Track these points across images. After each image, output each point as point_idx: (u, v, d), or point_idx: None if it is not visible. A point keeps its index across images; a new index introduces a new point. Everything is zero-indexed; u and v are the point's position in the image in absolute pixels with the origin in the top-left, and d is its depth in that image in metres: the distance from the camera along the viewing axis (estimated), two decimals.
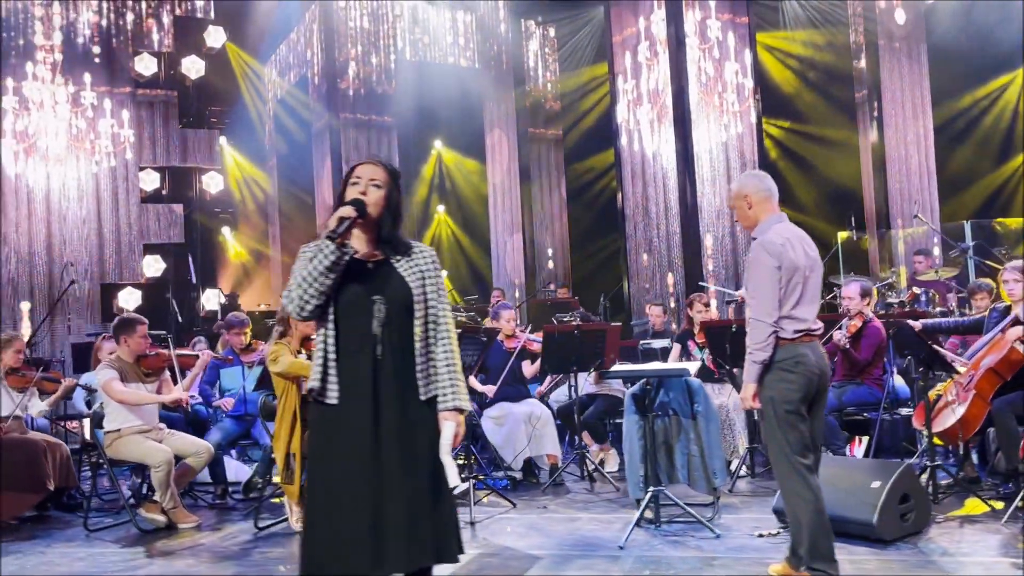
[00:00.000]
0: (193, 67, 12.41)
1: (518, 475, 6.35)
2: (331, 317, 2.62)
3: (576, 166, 13.22)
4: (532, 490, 6.04)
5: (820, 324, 3.49)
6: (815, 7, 12.18)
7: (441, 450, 2.63)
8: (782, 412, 3.37)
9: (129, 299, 11.67)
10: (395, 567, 2.52)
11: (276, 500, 5.95)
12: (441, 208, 14.98)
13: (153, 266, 12.12)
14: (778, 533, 4.42)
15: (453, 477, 2.62)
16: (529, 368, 6.75)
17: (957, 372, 4.98)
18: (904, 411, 6.49)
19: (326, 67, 13.69)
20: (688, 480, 4.83)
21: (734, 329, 5.94)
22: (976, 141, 11.80)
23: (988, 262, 7.84)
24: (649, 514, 4.69)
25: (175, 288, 11.76)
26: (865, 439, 6.26)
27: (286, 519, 5.33)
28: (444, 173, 14.32)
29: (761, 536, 4.41)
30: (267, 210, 14.71)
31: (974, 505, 4.87)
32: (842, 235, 8.86)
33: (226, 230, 13.50)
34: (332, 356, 2.61)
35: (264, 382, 6.08)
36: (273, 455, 5.22)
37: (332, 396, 2.60)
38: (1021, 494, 4.48)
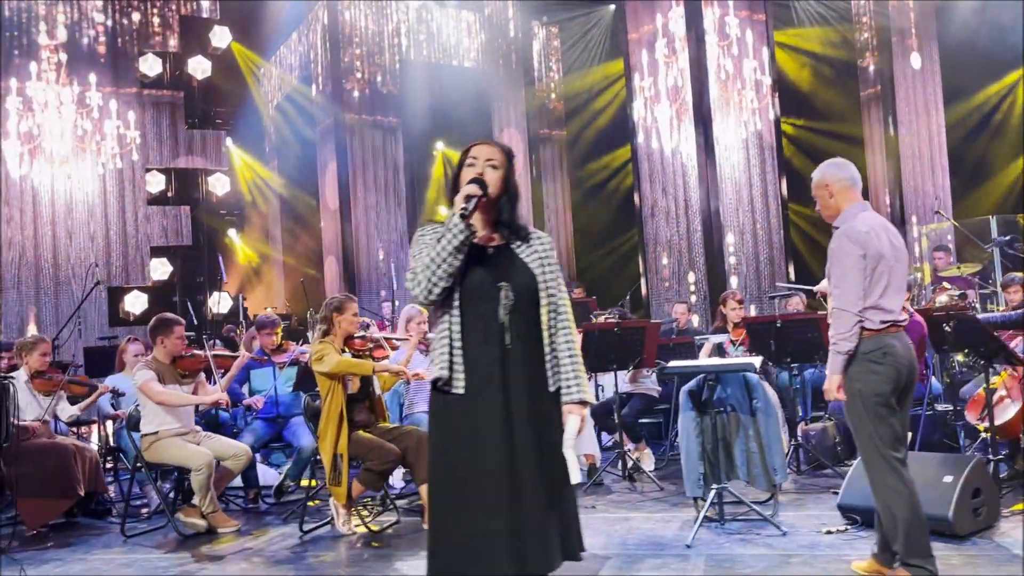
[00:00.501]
0: (199, 67, 12.23)
1: None
2: (456, 303, 2.53)
3: (589, 166, 13.15)
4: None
5: (906, 315, 3.42)
6: (828, 4, 12.19)
7: (564, 444, 2.54)
8: (872, 405, 3.30)
9: (136, 303, 11.48)
10: (535, 567, 2.43)
11: (312, 503, 5.84)
12: (443, 210, 14.90)
13: (160, 269, 11.94)
14: (846, 530, 4.36)
15: (575, 473, 2.55)
16: None
17: (1022, 362, 4.92)
18: (940, 407, 6.46)
19: (331, 67, 13.58)
20: (747, 477, 4.74)
21: (779, 325, 5.88)
22: (989, 137, 11.82)
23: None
24: (710, 512, 4.61)
25: (182, 291, 11.59)
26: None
27: (329, 522, 5.22)
28: (451, 174, 14.28)
29: (829, 533, 4.34)
30: (271, 212, 14.56)
31: None
32: None
33: (232, 232, 13.32)
34: (458, 344, 2.51)
35: (304, 383, 5.98)
36: (318, 456, 5.09)
37: (459, 385, 2.50)
38: None
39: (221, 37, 12.53)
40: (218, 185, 12.61)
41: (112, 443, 7.01)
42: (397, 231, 13.64)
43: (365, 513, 5.34)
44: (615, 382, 6.33)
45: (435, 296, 2.50)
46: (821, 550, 4.08)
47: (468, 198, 2.51)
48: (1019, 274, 7.63)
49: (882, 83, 11.22)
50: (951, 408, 6.09)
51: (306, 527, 5.16)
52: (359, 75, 13.72)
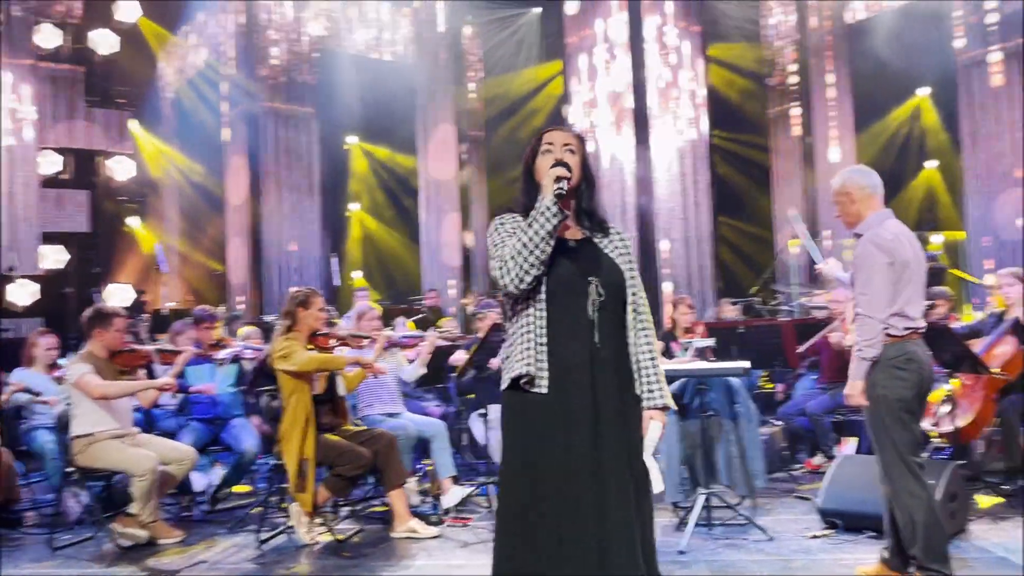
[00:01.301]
0: (104, 41, 11.43)
1: None
2: (542, 297, 2.37)
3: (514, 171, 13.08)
4: None
5: (924, 322, 3.48)
6: (750, 20, 12.60)
7: (645, 451, 2.42)
8: (895, 410, 3.34)
9: (22, 292, 10.57)
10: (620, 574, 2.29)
11: (255, 511, 5.48)
12: (355, 205, 14.47)
13: (52, 257, 11.05)
14: (830, 534, 4.41)
15: (658, 481, 2.42)
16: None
17: (991, 372, 5.13)
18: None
19: (245, 52, 12.95)
20: (728, 481, 4.75)
21: (741, 331, 5.95)
22: (895, 156, 12.51)
23: (955, 271, 8.26)
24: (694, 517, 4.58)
25: (78, 282, 10.78)
26: (852, 440, 6.39)
27: (284, 530, 4.89)
28: (369, 168, 13.82)
29: (815, 537, 4.39)
30: (176, 200, 13.74)
31: (985, 500, 5.03)
32: (792, 243, 9.16)
33: (134, 220, 12.48)
34: (543, 340, 2.36)
35: (257, 382, 5.60)
36: (281, 461, 4.76)
37: (542, 384, 2.34)
38: None
39: (128, 11, 11.77)
40: (119, 169, 11.82)
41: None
42: (310, 224, 13.13)
43: (331, 516, 5.02)
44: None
45: (526, 285, 2.34)
46: (815, 554, 4.11)
47: (558, 179, 2.36)
48: (944, 288, 8.05)
49: (802, 100, 11.67)
50: None
51: (263, 536, 4.81)
52: (275, 62, 13.14)
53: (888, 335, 3.34)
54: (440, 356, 6.55)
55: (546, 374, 2.34)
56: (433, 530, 4.85)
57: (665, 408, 2.48)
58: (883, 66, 11.97)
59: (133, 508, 4.84)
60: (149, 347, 5.32)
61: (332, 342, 5.09)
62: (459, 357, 6.28)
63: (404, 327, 7.06)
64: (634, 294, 2.49)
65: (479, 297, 9.30)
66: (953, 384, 5.43)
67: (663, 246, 9.12)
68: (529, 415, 2.36)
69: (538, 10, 12.63)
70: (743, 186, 12.34)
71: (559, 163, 2.43)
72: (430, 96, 12.11)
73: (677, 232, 9.26)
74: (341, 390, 5.09)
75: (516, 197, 2.57)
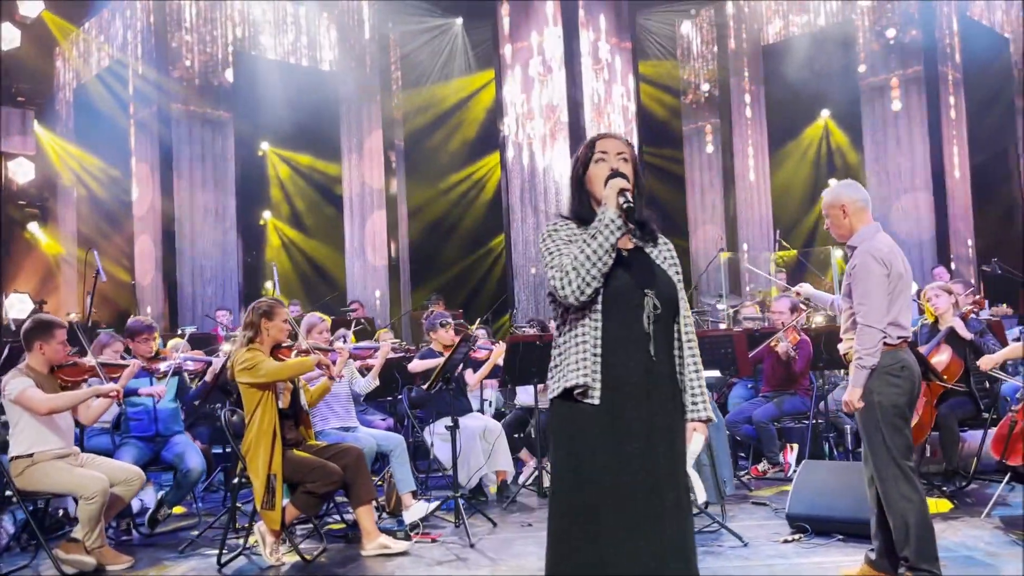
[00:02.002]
0: (5, 36, 10.73)
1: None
2: (598, 308, 2.35)
3: (448, 178, 12.98)
4: (489, 508, 5.72)
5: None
6: (671, 39, 12.97)
7: (687, 463, 2.42)
8: (889, 416, 3.46)
9: None
10: None
11: (195, 533, 5.21)
12: (267, 214, 14.03)
13: None
14: (800, 538, 4.53)
15: (700, 491, 2.44)
16: (472, 377, 6.45)
17: (942, 380, 5.37)
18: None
19: (156, 51, 12.39)
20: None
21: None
22: (808, 174, 13.09)
23: None
24: None
25: None
26: (795, 446, 6.61)
27: (241, 552, 4.66)
28: (290, 175, 13.42)
29: (787, 542, 4.49)
30: (80, 205, 12.96)
31: (931, 503, 5.27)
32: (724, 255, 9.43)
33: (34, 226, 11.71)
34: (597, 351, 2.34)
35: (212, 396, 5.32)
36: (244, 477, 4.53)
37: (595, 395, 2.33)
38: (999, 490, 4.93)
39: (30, 5, 11.09)
40: (19, 172, 11.11)
41: None
42: (225, 232, 12.64)
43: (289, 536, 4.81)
44: (535, 396, 6.21)
45: (586, 297, 2.32)
46: (793, 559, 4.21)
47: (622, 191, 2.36)
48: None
49: (721, 117, 12.06)
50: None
51: (223, 559, 4.56)
52: (187, 63, 12.63)
53: (884, 344, 3.45)
54: (390, 368, 6.41)
55: (599, 385, 2.32)
56: (403, 545, 4.72)
57: (707, 420, 2.50)
58: (796, 87, 12.55)
59: (78, 533, 4.52)
60: (91, 361, 4.97)
61: (295, 355, 4.90)
62: (417, 366, 6.15)
63: (347, 340, 6.86)
64: (683, 305, 2.50)
65: (357, 309, 9.16)
66: None
67: None
68: (581, 425, 2.35)
69: (459, 20, 12.59)
70: (666, 199, 12.65)
71: (616, 173, 2.42)
72: (356, 103, 11.90)
73: None
74: (305, 405, 4.90)
75: (570, 204, 2.55)
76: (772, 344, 6.59)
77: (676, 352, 2.45)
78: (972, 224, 12.54)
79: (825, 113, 13.80)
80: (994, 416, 5.85)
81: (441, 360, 6.11)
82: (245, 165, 13.00)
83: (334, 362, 5.22)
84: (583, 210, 2.48)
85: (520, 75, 9.73)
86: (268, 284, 13.69)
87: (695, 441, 2.47)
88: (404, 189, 12.84)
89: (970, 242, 12.53)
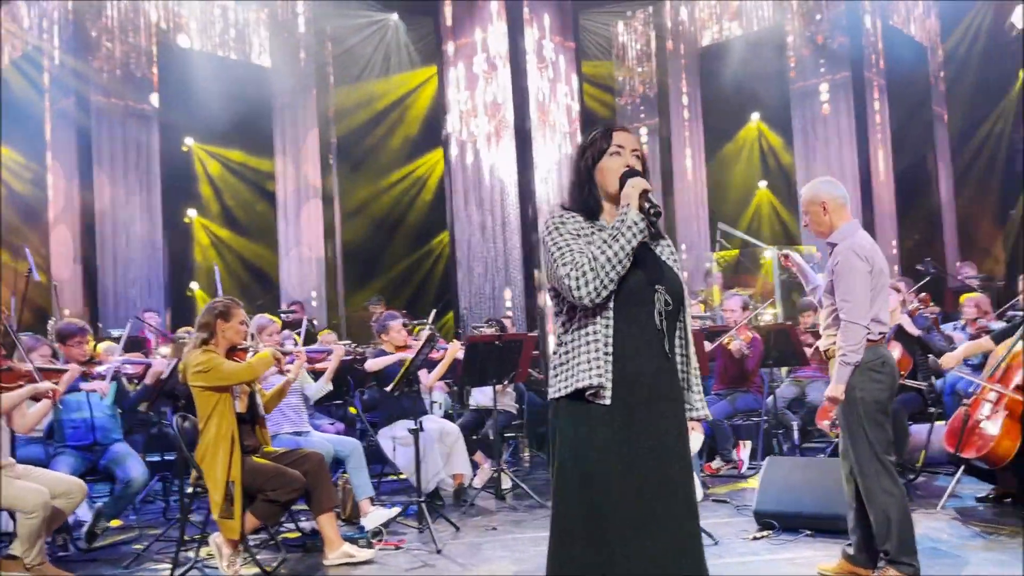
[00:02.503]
0: None
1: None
2: (610, 306, 2.29)
3: (388, 177, 12.75)
4: (448, 513, 5.60)
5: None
6: (609, 39, 13.06)
7: None
8: (872, 411, 3.49)
9: None
10: None
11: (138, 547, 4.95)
12: (193, 211, 13.51)
13: None
14: (769, 535, 4.56)
15: (699, 491, 2.43)
16: (427, 378, 6.30)
17: (901, 375, 5.48)
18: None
19: (75, 39, 11.78)
20: None
21: None
22: (744, 174, 13.37)
23: None
24: None
25: None
26: (747, 443, 6.69)
27: (195, 565, 4.43)
28: (221, 172, 12.93)
29: (756, 539, 4.52)
30: None
31: None
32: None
33: None
34: (608, 351, 2.28)
35: (159, 401, 5.04)
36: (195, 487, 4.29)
37: (607, 396, 2.27)
38: (953, 483, 5.06)
39: None
40: None
41: None
42: (149, 232, 12.10)
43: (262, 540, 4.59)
44: (494, 397, 6.11)
45: (602, 299, 2.26)
46: (765, 555, 4.24)
47: (645, 194, 2.31)
48: (812, 299, 8.61)
49: (660, 118, 12.20)
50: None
51: (175, 573, 4.32)
52: (109, 52, 12.05)
53: (866, 340, 3.49)
54: (341, 371, 6.22)
55: (611, 385, 2.27)
56: (368, 553, 4.58)
57: (704, 419, 2.50)
58: (731, 90, 12.79)
59: (16, 549, 4.23)
60: (28, 365, 4.65)
61: (251, 357, 4.68)
62: (373, 365, 5.97)
63: (292, 341, 6.63)
64: (685, 303, 2.47)
65: (296, 310, 8.94)
66: None
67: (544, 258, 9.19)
68: (591, 426, 2.29)
69: (394, 15, 12.38)
70: None
71: (634, 171, 2.37)
72: (290, 99, 11.56)
73: None
74: (261, 410, 4.69)
75: (574, 194, 2.48)
76: (725, 342, 6.66)
77: (679, 350, 2.41)
78: (896, 226, 13.00)
79: (755, 116, 14.13)
80: (939, 411, 6.05)
81: (398, 356, 5.98)
82: (170, 160, 12.46)
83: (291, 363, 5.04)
84: (591, 202, 2.41)
85: (464, 72, 9.61)
86: (194, 284, 13.22)
87: (693, 440, 2.47)
88: (342, 187, 12.55)
89: (895, 243, 12.99)
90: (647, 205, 2.29)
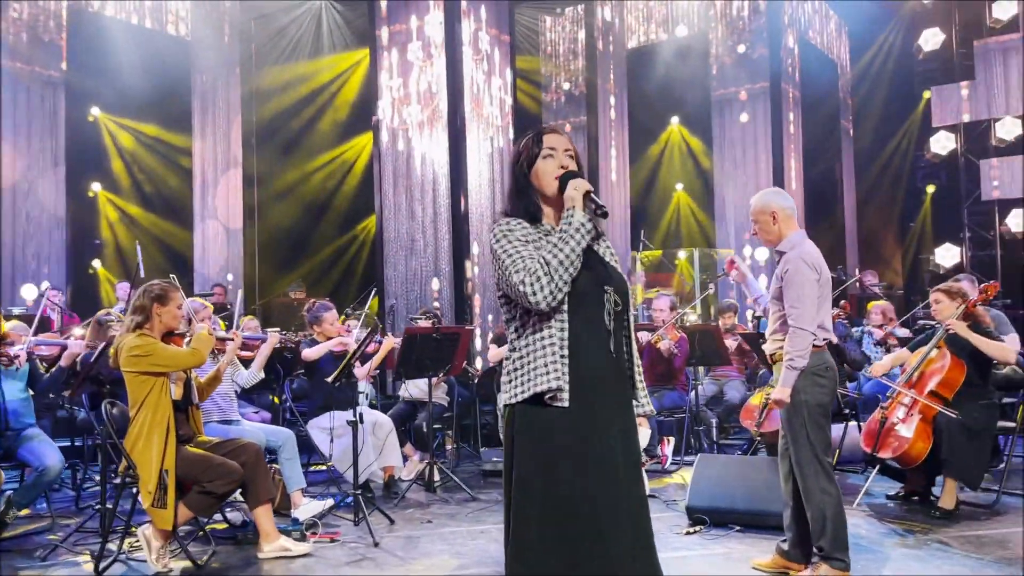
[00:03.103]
0: None
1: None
2: (564, 308, 2.32)
3: (314, 160, 12.45)
4: (381, 505, 5.55)
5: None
6: (535, 32, 13.12)
7: None
8: (815, 414, 3.64)
9: None
10: None
11: (53, 537, 4.73)
12: (97, 185, 12.87)
13: None
14: (700, 530, 4.70)
15: (646, 485, 2.50)
16: (360, 370, 6.22)
17: None
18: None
19: None
20: None
21: None
22: (666, 177, 13.67)
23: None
24: None
25: None
26: (671, 439, 6.87)
27: (117, 557, 4.26)
28: (135, 146, 12.33)
29: (689, 533, 4.65)
30: None
31: None
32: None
33: None
34: (565, 353, 2.30)
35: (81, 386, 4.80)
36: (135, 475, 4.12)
37: (565, 398, 2.29)
38: (868, 482, 5.33)
39: None
40: None
41: None
42: (52, 205, 11.49)
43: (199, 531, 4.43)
44: (429, 390, 6.07)
45: (556, 303, 2.28)
46: (699, 549, 4.39)
47: (588, 194, 2.34)
48: (732, 301, 8.93)
49: (588, 118, 12.34)
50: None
51: (101, 565, 4.14)
52: (15, 15, 11.36)
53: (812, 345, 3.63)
54: (271, 359, 6.07)
55: (567, 387, 2.29)
56: (305, 546, 4.49)
57: (650, 414, 2.58)
58: (655, 93, 13.07)
59: None
60: None
61: (185, 343, 4.51)
62: (310, 354, 5.85)
63: (218, 326, 6.42)
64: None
65: (219, 294, 8.73)
66: (769, 390, 6.00)
67: (474, 249, 9.16)
68: (549, 429, 2.30)
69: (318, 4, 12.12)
70: None
71: (572, 173, 2.40)
72: (211, 74, 11.15)
73: (487, 236, 9.34)
74: (195, 398, 4.53)
75: (514, 200, 2.47)
76: (654, 341, 6.82)
77: (625, 348, 2.45)
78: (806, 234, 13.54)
79: (675, 120, 14.49)
80: (852, 412, 6.35)
81: (335, 342, 5.89)
82: (78, 131, 11.85)
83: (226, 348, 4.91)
84: (531, 206, 2.43)
85: (398, 59, 9.46)
86: (96, 262, 12.62)
87: (642, 434, 2.53)
88: (265, 168, 12.20)
89: None
90: (593, 206, 2.33)
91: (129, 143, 11.79)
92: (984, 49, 12.22)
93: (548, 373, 2.27)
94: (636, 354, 2.50)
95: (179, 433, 4.26)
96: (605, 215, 2.34)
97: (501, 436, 6.54)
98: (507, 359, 2.40)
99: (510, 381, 2.36)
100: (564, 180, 2.38)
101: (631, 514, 2.32)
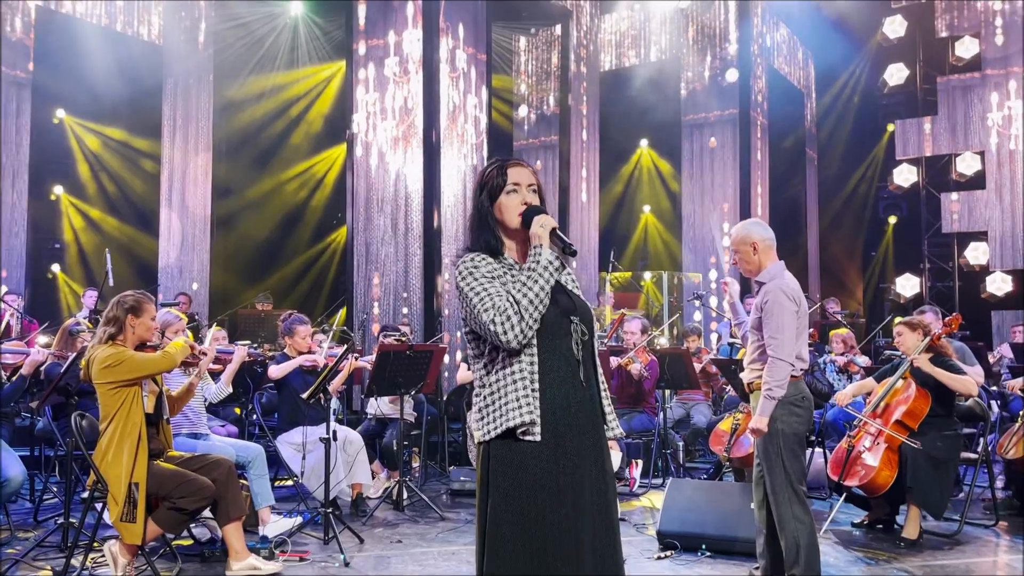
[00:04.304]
0: None
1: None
2: (534, 341, 2.32)
3: (287, 171, 12.35)
4: (350, 523, 5.50)
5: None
6: (509, 51, 13.21)
7: None
8: (791, 443, 3.70)
9: None
10: None
11: (13, 552, 4.61)
12: (59, 188, 12.63)
13: None
14: (671, 555, 4.73)
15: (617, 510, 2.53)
16: (330, 386, 6.16)
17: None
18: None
19: None
20: None
21: None
22: (631, 199, 13.81)
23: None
24: None
25: None
26: (639, 462, 6.91)
27: (80, 574, 4.17)
28: (99, 149, 12.13)
29: (660, 559, 4.68)
30: None
31: None
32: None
33: None
34: (536, 386, 2.31)
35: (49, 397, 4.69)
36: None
37: (536, 432, 2.29)
38: (835, 510, 5.42)
39: None
40: None
41: None
42: (12, 207, 11.25)
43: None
44: (401, 407, 6.04)
45: (527, 339, 2.29)
46: (670, 574, 4.38)
47: (555, 231, 2.35)
48: (696, 325, 9.02)
49: (561, 138, 12.44)
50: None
51: None
52: None
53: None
54: (240, 373, 6.01)
55: (539, 420, 2.29)
56: (274, 565, 4.44)
57: (619, 437, 2.58)
58: (626, 115, 13.23)
59: None
60: None
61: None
62: (276, 372, 5.79)
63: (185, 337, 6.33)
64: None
65: (183, 303, 8.62)
66: (739, 416, 6.09)
67: (446, 265, 9.17)
68: (521, 463, 2.30)
69: (304, 7, 12.07)
70: None
71: (535, 209, 2.40)
72: (183, 81, 11.02)
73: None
74: (166, 412, 4.46)
75: (475, 234, 2.46)
76: (625, 363, 6.87)
77: (594, 376, 2.45)
78: None
79: (644, 143, 14.68)
80: (818, 439, 6.46)
81: (301, 360, 5.84)
82: (43, 133, 11.63)
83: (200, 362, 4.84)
84: (492, 240, 2.42)
85: (374, 73, 9.46)
86: (55, 267, 12.37)
87: (613, 457, 2.53)
88: (233, 177, 12.06)
89: None
90: (562, 244, 2.33)
91: (96, 146, 11.60)
92: (947, 85, 12.59)
93: (520, 407, 2.28)
94: (602, 381, 2.50)
95: (150, 447, 4.18)
96: (574, 253, 2.35)
97: (472, 463, 6.53)
98: (476, 395, 2.40)
99: (482, 418, 2.36)
100: (528, 216, 2.38)
101: (602, 543, 2.32)
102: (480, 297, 2.29)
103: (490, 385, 2.34)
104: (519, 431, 2.28)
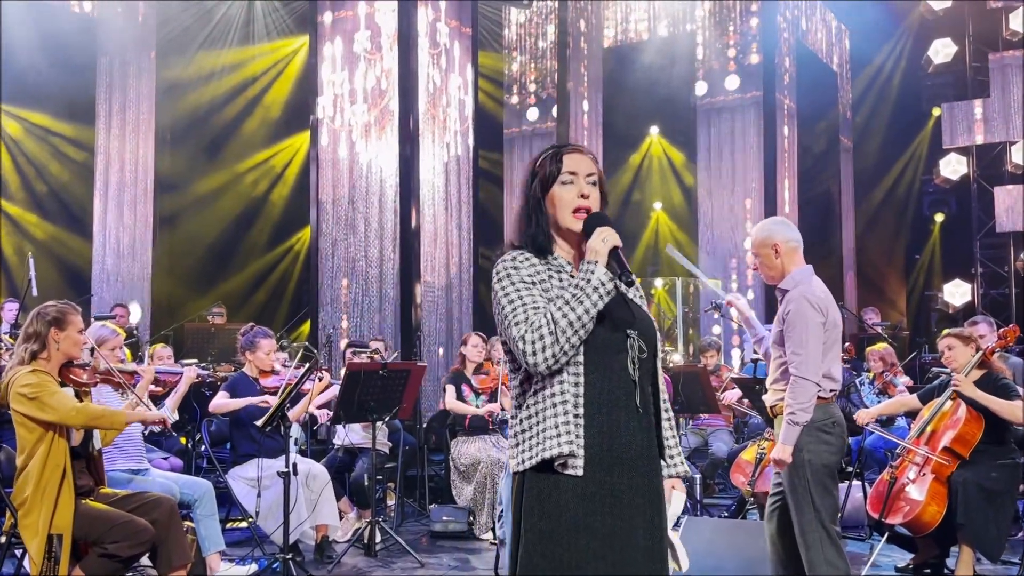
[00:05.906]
0: None
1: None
2: (579, 360, 2.29)
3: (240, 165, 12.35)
4: (315, 570, 5.47)
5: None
6: (499, 24, 13.25)
7: (669, 526, 2.47)
8: (820, 476, 3.69)
9: None
10: None
11: None
12: None
13: None
14: None
15: (684, 559, 2.49)
16: (291, 412, 6.12)
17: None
18: None
19: None
20: None
21: None
22: (640, 191, 13.85)
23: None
24: None
25: None
26: None
27: None
28: (21, 138, 12.07)
29: None
30: None
31: None
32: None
33: None
34: (580, 412, 2.28)
35: None
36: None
37: (578, 465, 2.26)
38: (876, 551, 5.41)
39: None
40: None
41: None
42: None
43: None
44: (373, 435, 6.02)
45: (559, 365, 2.26)
46: None
47: (615, 250, 2.31)
48: (716, 339, 9.04)
49: (559, 122, 12.47)
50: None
51: None
52: None
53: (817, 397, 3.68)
54: (186, 397, 5.97)
55: (583, 452, 2.27)
56: None
57: (684, 476, 2.55)
58: (634, 99, 13.26)
59: None
60: None
61: (87, 377, 4.41)
62: (218, 407, 5.72)
63: (124, 356, 6.30)
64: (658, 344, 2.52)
65: (122, 316, 8.60)
66: (764, 444, 6.09)
67: (422, 264, 9.16)
68: (558, 501, 2.27)
69: None
70: (496, 212, 12.89)
71: (600, 216, 2.38)
72: (122, 60, 11.00)
73: (439, 257, 9.37)
74: (98, 443, 4.43)
75: (522, 228, 2.47)
76: None
77: (652, 401, 2.43)
78: None
79: (655, 130, 14.71)
80: (857, 470, 6.46)
81: (247, 401, 5.77)
82: None
83: (136, 384, 4.83)
84: (541, 237, 2.41)
85: (342, 50, 9.45)
86: None
87: (676, 501, 2.51)
88: (179, 170, 12.04)
89: None
90: (619, 270, 2.30)
91: (17, 133, 11.52)
92: (1000, 63, 12.62)
93: (559, 436, 2.25)
94: (666, 405, 2.48)
95: (77, 484, 4.16)
96: (631, 283, 2.34)
97: (456, 500, 6.49)
98: (512, 417, 2.39)
99: (517, 444, 2.34)
100: (590, 225, 2.35)
101: None
102: (514, 308, 2.28)
103: (528, 408, 2.33)
104: (557, 463, 2.25)
